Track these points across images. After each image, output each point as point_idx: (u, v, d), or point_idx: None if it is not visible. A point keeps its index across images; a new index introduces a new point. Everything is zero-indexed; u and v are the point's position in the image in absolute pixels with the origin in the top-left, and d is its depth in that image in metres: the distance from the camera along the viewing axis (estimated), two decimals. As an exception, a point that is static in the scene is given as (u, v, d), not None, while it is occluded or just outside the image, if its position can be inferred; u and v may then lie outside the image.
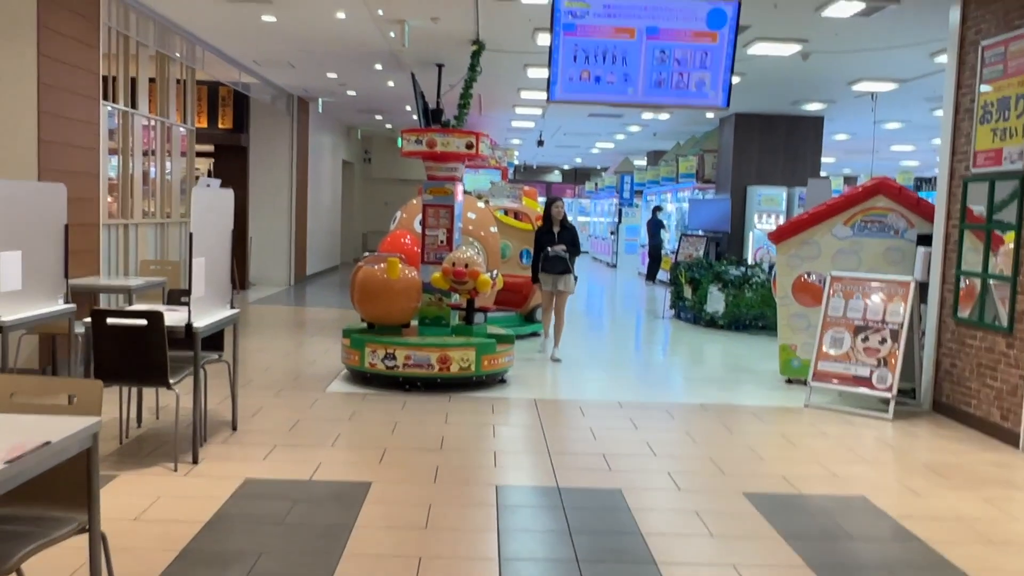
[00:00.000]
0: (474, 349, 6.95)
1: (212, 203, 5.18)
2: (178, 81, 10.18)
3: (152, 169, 9.44)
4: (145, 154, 9.20)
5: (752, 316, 11.11)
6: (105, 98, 7.93)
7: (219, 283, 5.28)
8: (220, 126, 14.01)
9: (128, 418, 5.37)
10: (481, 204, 10.05)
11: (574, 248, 8.56)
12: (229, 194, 5.54)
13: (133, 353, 4.65)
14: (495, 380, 7.30)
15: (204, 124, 13.95)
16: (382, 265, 7.08)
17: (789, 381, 7.83)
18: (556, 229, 8.57)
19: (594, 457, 5.29)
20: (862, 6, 7.68)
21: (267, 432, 5.55)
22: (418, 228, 8.96)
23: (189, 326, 4.72)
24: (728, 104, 7.00)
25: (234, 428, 5.56)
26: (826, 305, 7.10)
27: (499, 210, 10.64)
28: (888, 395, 6.60)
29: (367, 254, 7.58)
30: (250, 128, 14.47)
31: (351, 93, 14.60)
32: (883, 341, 6.74)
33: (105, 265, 8.05)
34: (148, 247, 9.21)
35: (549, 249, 8.47)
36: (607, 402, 6.86)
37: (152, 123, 9.32)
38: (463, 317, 7.43)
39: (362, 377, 7.11)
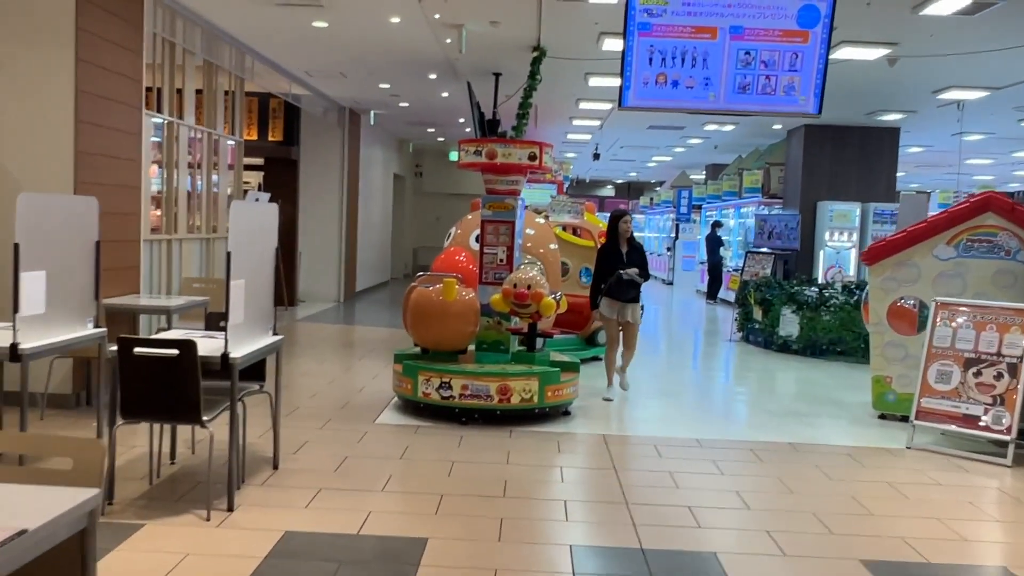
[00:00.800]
0: (537, 379, 6.35)
1: (253, 218, 4.67)
2: (226, 93, 9.81)
3: (199, 182, 9.05)
4: (191, 167, 8.82)
5: (829, 340, 10.33)
6: (149, 107, 7.54)
7: (261, 307, 4.77)
8: (270, 139, 13.67)
9: (160, 453, 4.88)
10: (540, 219, 9.48)
11: (644, 272, 7.45)
12: (273, 208, 5.04)
13: (163, 386, 4.15)
14: (559, 412, 6.69)
15: (254, 136, 13.62)
16: (437, 286, 6.53)
17: (882, 416, 7.08)
18: (624, 249, 7.51)
19: (679, 510, 4.63)
20: (967, 3, 6.96)
21: (311, 472, 5.01)
22: (474, 245, 8.45)
23: (225, 357, 4.21)
24: (820, 111, 6.33)
25: (275, 467, 5.03)
26: (931, 334, 6.36)
27: (557, 226, 10.06)
28: (1006, 437, 5.84)
29: (421, 274, 7.05)
30: (300, 141, 14.12)
31: (403, 105, 14.17)
32: (999, 376, 5.98)
33: (147, 283, 7.63)
34: (193, 264, 8.80)
35: (622, 272, 7.19)
36: (684, 440, 6.19)
37: (199, 135, 8.94)
38: (523, 342, 6.85)
39: (415, 407, 6.55)
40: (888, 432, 6.61)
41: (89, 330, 4.97)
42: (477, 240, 8.57)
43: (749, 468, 5.55)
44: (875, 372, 7.12)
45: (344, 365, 8.77)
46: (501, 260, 6.99)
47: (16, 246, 4.23)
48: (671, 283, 22.86)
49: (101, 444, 2.26)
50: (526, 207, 8.51)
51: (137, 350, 4.11)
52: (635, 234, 9.96)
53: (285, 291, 13.36)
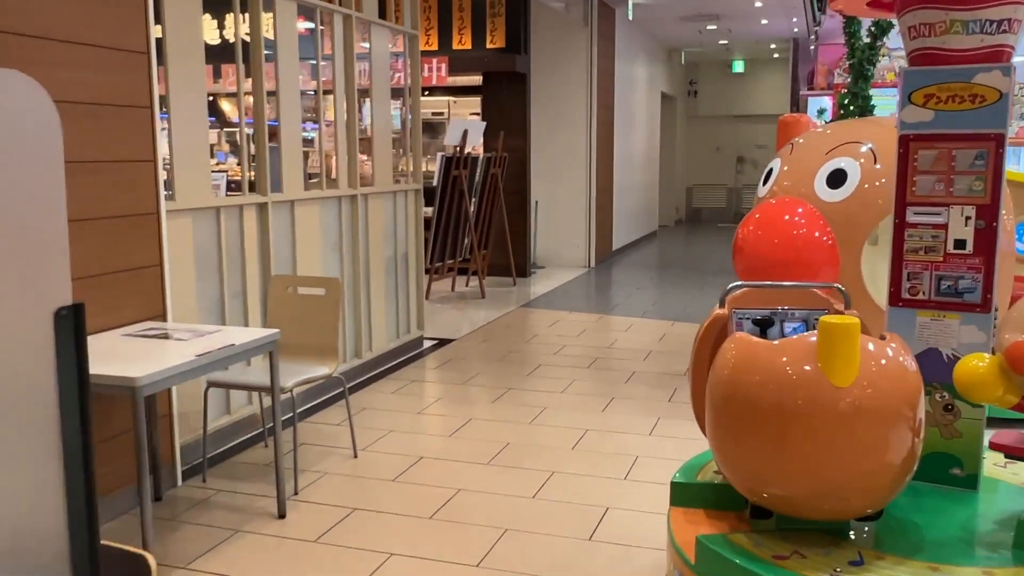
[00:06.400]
0: None
1: None
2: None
3: (337, 108, 5.38)
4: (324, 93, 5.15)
5: None
6: (186, -47, 3.88)
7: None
8: (489, 45, 9.88)
9: None
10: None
11: None
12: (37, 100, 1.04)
13: None
14: None
15: (467, 44, 9.90)
16: (803, 337, 2.25)
17: None
18: None
19: None
20: None
21: None
22: (823, 194, 4.13)
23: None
24: None
25: None
26: None
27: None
28: None
29: (734, 287, 2.74)
30: (530, 47, 10.18)
31: (674, -18, 9.74)
32: None
33: (204, 291, 4.10)
34: (317, 246, 5.18)
35: None
36: None
37: (323, 22, 5.20)
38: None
39: (732, 661, 2.42)
40: None
41: None
42: (832, 184, 4.18)
43: None
44: None
45: (575, 427, 4.77)
46: (961, 244, 2.58)
47: None
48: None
49: None
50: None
51: None
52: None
53: (513, 259, 9.63)
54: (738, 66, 17.28)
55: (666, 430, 4.54)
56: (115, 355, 2.99)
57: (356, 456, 4.16)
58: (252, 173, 4.63)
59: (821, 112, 12.10)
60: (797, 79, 14.97)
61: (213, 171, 4.72)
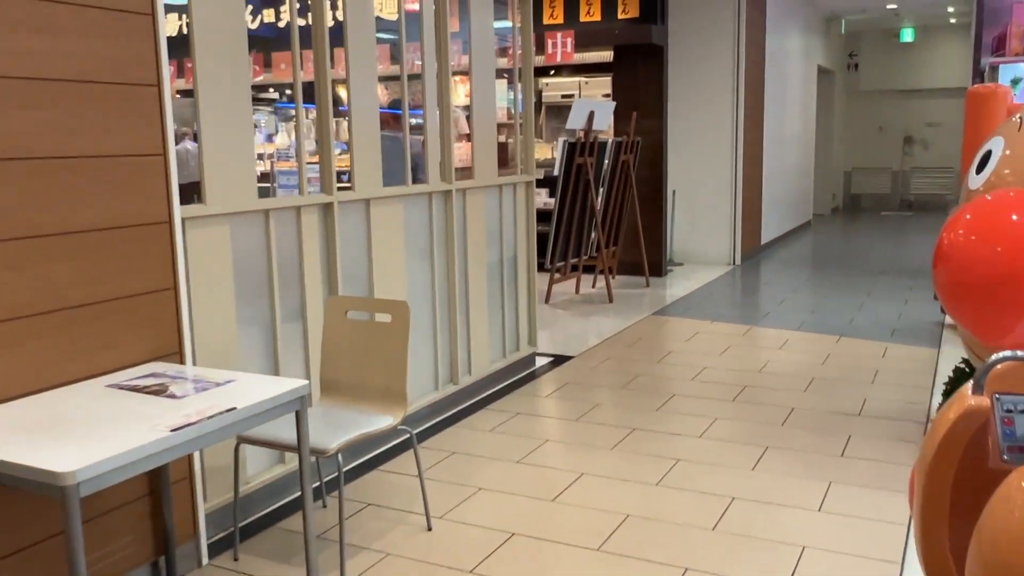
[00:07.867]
0: None
1: None
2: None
3: (426, 84, 4.48)
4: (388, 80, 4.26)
5: None
6: None
7: None
8: (621, 16, 8.77)
9: None
10: None
11: None
12: None
13: None
14: None
15: (596, 16, 8.84)
16: None
17: None
18: None
19: None
20: None
21: None
22: None
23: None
24: None
25: None
26: None
27: None
28: None
29: (1001, 360, 1.67)
30: (668, 16, 8.99)
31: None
32: None
33: (245, 314, 3.29)
34: (401, 250, 4.30)
35: None
36: None
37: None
38: None
39: None
40: None
41: None
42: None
43: None
44: None
45: (717, 493, 3.68)
46: None
47: None
48: None
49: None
50: None
51: None
52: None
53: (646, 257, 8.54)
54: (907, 34, 15.36)
55: (840, 503, 3.40)
56: (70, 423, 2.18)
57: (430, 528, 3.25)
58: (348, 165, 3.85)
59: (1016, 82, 10.30)
60: (980, 46, 13.03)
61: (309, 162, 3.92)
